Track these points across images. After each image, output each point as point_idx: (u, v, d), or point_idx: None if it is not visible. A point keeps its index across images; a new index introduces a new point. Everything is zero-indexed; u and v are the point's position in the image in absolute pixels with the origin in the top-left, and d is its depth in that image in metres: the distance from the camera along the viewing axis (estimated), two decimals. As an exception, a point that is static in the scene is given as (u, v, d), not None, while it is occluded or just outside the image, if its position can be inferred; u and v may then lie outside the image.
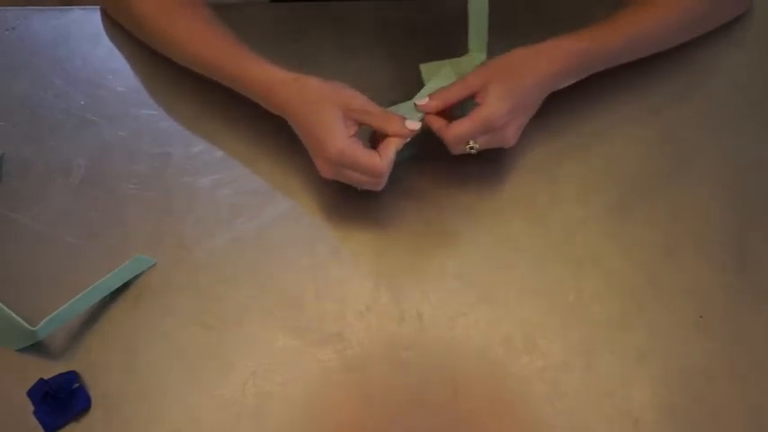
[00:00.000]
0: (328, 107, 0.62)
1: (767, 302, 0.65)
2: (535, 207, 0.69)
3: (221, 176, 0.70)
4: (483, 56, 0.69)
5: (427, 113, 0.64)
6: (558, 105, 0.71)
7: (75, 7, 0.80)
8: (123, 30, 0.77)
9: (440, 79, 0.67)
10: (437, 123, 0.64)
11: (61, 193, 0.70)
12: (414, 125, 0.63)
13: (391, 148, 0.62)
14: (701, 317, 0.64)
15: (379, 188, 0.65)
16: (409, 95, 0.67)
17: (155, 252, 0.67)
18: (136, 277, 0.66)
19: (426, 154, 0.71)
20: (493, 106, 0.62)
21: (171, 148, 0.72)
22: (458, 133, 0.63)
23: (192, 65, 0.71)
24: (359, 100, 0.63)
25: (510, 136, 0.65)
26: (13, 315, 0.61)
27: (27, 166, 0.71)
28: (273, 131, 0.72)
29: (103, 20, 0.79)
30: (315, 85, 0.63)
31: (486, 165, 0.71)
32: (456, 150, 0.65)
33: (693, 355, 0.62)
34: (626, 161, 0.71)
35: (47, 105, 0.74)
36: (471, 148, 0.64)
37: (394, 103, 0.67)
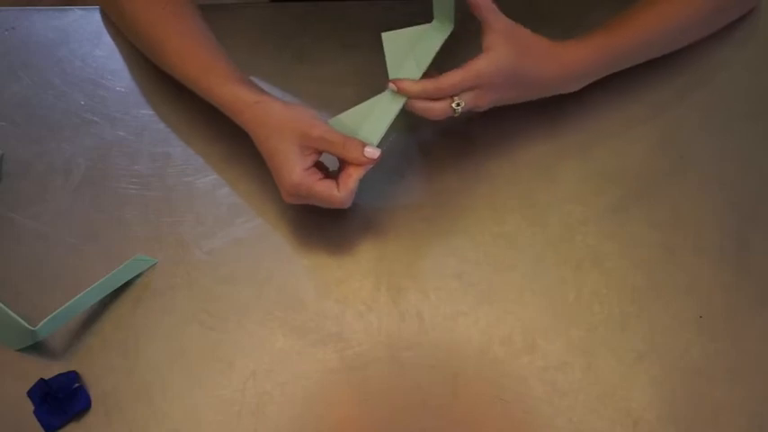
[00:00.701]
0: (287, 135, 0.60)
1: (767, 302, 0.65)
2: (535, 207, 0.69)
3: (221, 176, 0.70)
4: (450, 26, 0.66)
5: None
6: (559, 105, 0.71)
7: (75, 7, 0.80)
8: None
9: (401, 53, 0.65)
10: (417, 86, 0.61)
11: (61, 193, 0.70)
12: (373, 153, 0.60)
13: (352, 178, 0.61)
14: (701, 317, 0.64)
15: (345, 207, 0.63)
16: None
17: (155, 252, 0.67)
18: (136, 277, 0.66)
19: (426, 154, 0.71)
20: (493, 60, 0.61)
21: (171, 148, 0.72)
22: (447, 83, 0.61)
23: (171, 74, 0.70)
24: (318, 129, 0.60)
25: (486, 100, 0.63)
26: (13, 315, 0.61)
27: (27, 166, 0.71)
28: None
29: (104, 19, 0.79)
30: (276, 111, 0.62)
31: (486, 164, 0.71)
32: (439, 110, 0.62)
33: (693, 355, 0.62)
34: (626, 161, 0.71)
35: (47, 105, 0.74)
36: (458, 105, 0.61)
37: None
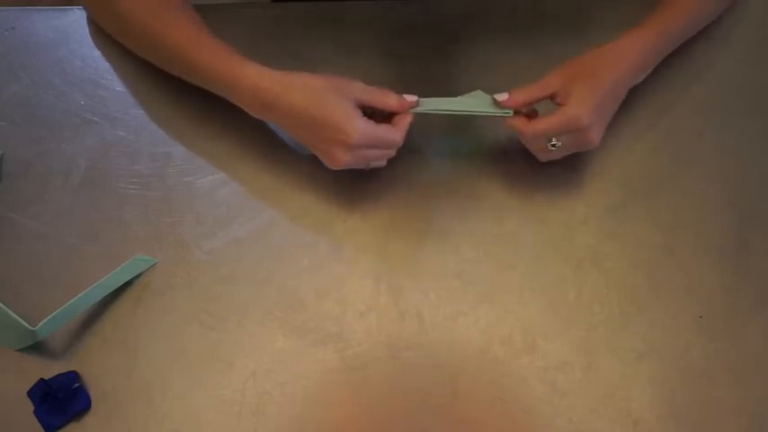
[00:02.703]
0: (336, 94, 0.62)
1: (767, 302, 0.65)
2: (535, 207, 0.69)
3: (221, 176, 0.70)
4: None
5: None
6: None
7: (75, 7, 0.80)
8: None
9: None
10: (517, 120, 0.65)
11: (61, 193, 0.70)
12: (412, 97, 0.64)
13: (406, 119, 0.64)
14: (701, 317, 0.64)
15: (386, 160, 0.67)
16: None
17: (155, 252, 0.67)
18: (136, 277, 0.66)
19: (426, 154, 0.71)
20: (577, 106, 0.62)
21: (171, 148, 0.72)
22: (539, 130, 0.63)
23: (177, 69, 0.69)
24: (356, 83, 0.63)
25: (594, 137, 0.64)
26: (13, 315, 0.61)
27: (27, 166, 0.71)
28: (274, 131, 0.72)
29: (90, 26, 0.78)
30: (310, 76, 0.63)
31: (486, 164, 0.71)
32: (535, 146, 0.65)
33: (693, 355, 0.62)
34: (626, 161, 0.71)
35: (47, 105, 0.74)
36: (553, 145, 0.64)
37: None
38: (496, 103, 0.65)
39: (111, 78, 0.76)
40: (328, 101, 0.62)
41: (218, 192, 0.70)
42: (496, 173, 0.71)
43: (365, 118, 0.63)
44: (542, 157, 0.67)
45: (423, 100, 0.66)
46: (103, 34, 0.77)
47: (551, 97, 0.64)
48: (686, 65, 0.76)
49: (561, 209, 0.69)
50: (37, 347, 0.63)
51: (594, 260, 0.66)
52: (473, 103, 0.66)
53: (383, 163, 0.67)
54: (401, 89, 0.69)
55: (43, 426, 0.59)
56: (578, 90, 0.63)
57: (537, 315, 0.64)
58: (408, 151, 0.71)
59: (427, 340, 0.63)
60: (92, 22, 0.78)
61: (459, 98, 0.66)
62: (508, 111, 0.64)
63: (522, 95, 0.64)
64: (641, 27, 0.68)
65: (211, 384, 0.62)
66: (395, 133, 0.64)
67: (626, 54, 0.66)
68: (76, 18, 0.79)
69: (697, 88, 0.75)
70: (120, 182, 0.70)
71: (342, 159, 0.63)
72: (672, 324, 0.64)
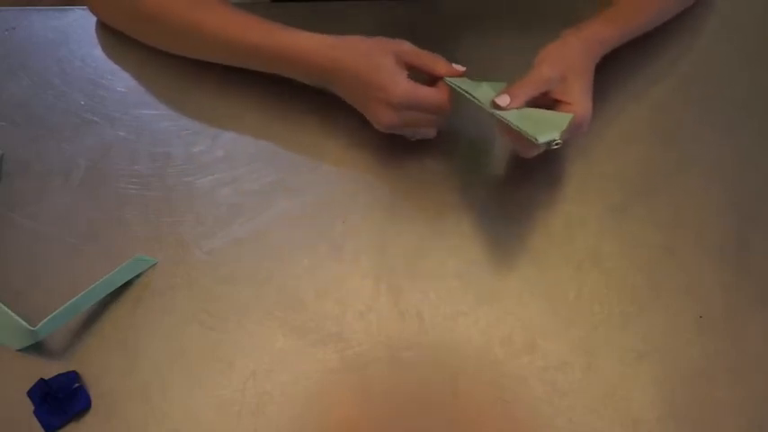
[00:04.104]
0: (382, 55, 0.64)
1: (767, 302, 0.65)
2: (535, 207, 0.69)
3: (221, 176, 0.70)
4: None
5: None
6: (558, 105, 0.71)
7: (75, 7, 0.80)
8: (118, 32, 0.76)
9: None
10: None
11: (61, 193, 0.70)
12: (460, 67, 0.65)
13: (448, 88, 0.64)
14: (701, 317, 0.64)
15: (438, 130, 0.67)
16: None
17: (155, 252, 0.67)
18: (136, 277, 0.66)
19: (426, 154, 0.71)
20: (583, 107, 0.63)
21: (171, 148, 0.72)
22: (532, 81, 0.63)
23: (221, 52, 0.71)
24: (406, 44, 0.65)
25: (588, 125, 0.65)
26: (13, 315, 0.61)
27: (27, 166, 0.71)
28: (274, 131, 0.72)
29: (97, 26, 0.78)
30: (360, 40, 0.65)
31: (486, 164, 0.71)
32: (536, 150, 0.64)
33: (693, 355, 0.62)
34: (626, 161, 0.71)
35: (47, 105, 0.74)
36: (557, 144, 0.61)
37: None
38: (494, 104, 0.63)
39: (111, 78, 0.76)
40: (374, 61, 0.63)
41: (218, 192, 0.70)
42: (496, 173, 0.71)
43: (409, 79, 0.63)
44: (529, 154, 0.65)
45: (463, 79, 0.66)
46: (105, 33, 0.77)
47: (545, 93, 0.63)
48: (686, 64, 0.76)
49: (561, 209, 0.69)
50: (37, 347, 0.62)
51: (594, 260, 0.66)
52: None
53: (432, 133, 0.68)
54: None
55: (43, 426, 0.59)
56: (577, 87, 0.63)
57: (537, 315, 0.64)
58: (408, 151, 0.71)
59: (427, 340, 0.63)
60: (97, 22, 0.78)
61: (486, 86, 0.65)
62: None
63: (524, 94, 0.62)
64: (614, 17, 0.69)
65: (211, 384, 0.62)
66: (440, 96, 0.64)
67: (597, 44, 0.67)
68: (76, 18, 0.79)
69: (697, 88, 0.75)
70: (120, 182, 0.70)
71: (385, 118, 0.64)
72: (672, 324, 0.64)
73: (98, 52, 0.77)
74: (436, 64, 0.65)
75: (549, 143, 0.60)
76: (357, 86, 0.65)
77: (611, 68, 0.73)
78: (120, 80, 0.75)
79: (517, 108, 0.62)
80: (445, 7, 0.79)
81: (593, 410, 0.60)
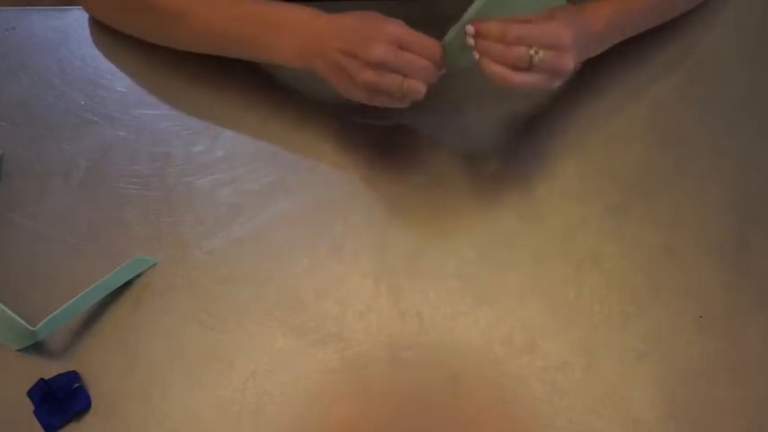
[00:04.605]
0: (376, 15, 0.62)
1: (767, 302, 0.65)
2: (535, 207, 0.69)
3: (221, 176, 0.70)
4: None
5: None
6: (557, 104, 0.71)
7: (75, 7, 0.79)
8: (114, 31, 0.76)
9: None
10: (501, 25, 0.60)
11: (61, 193, 0.70)
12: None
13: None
14: (701, 317, 0.64)
15: (419, 95, 0.62)
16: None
17: (155, 252, 0.67)
18: (136, 277, 0.66)
19: (426, 154, 0.71)
20: (560, 25, 0.60)
21: (171, 148, 0.72)
22: (522, 31, 0.60)
23: (210, 37, 0.69)
24: (399, 20, 0.63)
25: (570, 62, 0.61)
26: (13, 315, 0.61)
27: (27, 166, 0.71)
28: (274, 131, 0.72)
29: (91, 24, 0.78)
30: (353, 16, 0.63)
31: (486, 164, 0.71)
32: (513, 55, 0.60)
33: (693, 355, 0.62)
34: (626, 161, 0.71)
35: (47, 105, 0.74)
36: (536, 52, 0.59)
37: None
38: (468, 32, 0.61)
39: (111, 78, 0.76)
40: (363, 13, 0.62)
41: (218, 192, 0.70)
42: (496, 173, 0.71)
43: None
44: (517, 79, 0.61)
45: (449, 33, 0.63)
46: (104, 34, 0.77)
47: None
48: (686, 64, 0.76)
49: (561, 209, 0.69)
50: (37, 347, 0.62)
51: (594, 260, 0.66)
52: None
53: (421, 89, 0.61)
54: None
55: (43, 426, 0.59)
56: (561, 15, 0.61)
57: (537, 315, 0.64)
58: (407, 151, 0.71)
59: (427, 340, 0.63)
60: (92, 21, 0.78)
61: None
62: None
63: (498, 27, 0.60)
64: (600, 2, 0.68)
65: (211, 384, 0.62)
66: (431, 42, 0.62)
67: (599, 15, 0.66)
68: (76, 18, 0.79)
69: (697, 88, 0.75)
70: (120, 182, 0.70)
71: (376, 53, 0.59)
72: (672, 324, 0.64)
73: (98, 52, 0.77)
74: (425, 41, 0.62)
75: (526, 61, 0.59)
76: (344, 39, 0.62)
77: (612, 68, 0.73)
78: (120, 80, 0.75)
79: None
80: (445, 7, 0.79)
81: (593, 410, 0.60)
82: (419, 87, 0.61)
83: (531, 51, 0.59)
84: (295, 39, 0.65)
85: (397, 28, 0.61)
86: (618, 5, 0.68)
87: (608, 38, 0.69)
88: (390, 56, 0.60)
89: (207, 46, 0.71)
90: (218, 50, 0.71)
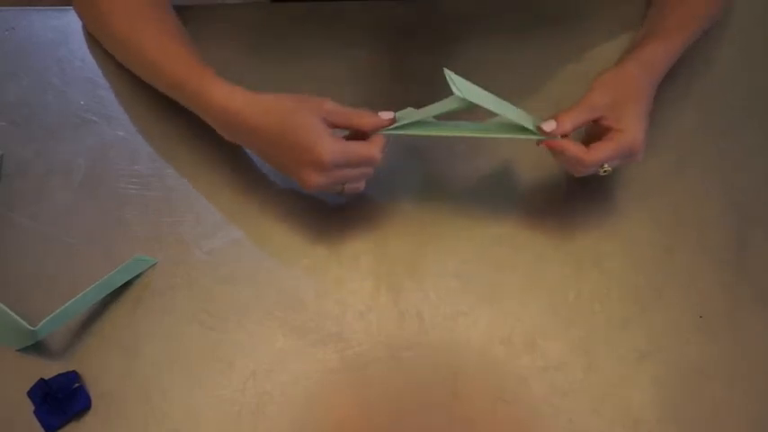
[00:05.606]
0: (306, 114, 0.59)
1: (767, 302, 0.65)
2: (535, 206, 0.69)
3: (221, 176, 0.70)
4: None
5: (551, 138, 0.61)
6: (558, 105, 0.71)
7: (74, 7, 0.79)
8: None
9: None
10: (576, 149, 0.61)
11: (61, 193, 0.70)
12: (388, 114, 0.61)
13: (382, 138, 0.61)
14: (701, 317, 0.64)
15: (364, 183, 0.63)
16: (409, 95, 0.67)
17: (155, 252, 0.67)
18: (136, 277, 0.66)
19: (426, 154, 0.71)
20: (634, 131, 0.61)
21: (171, 148, 0.72)
22: (599, 159, 0.61)
23: (149, 76, 0.69)
24: (329, 102, 0.61)
25: (641, 155, 0.63)
26: (13, 315, 0.61)
27: (27, 166, 0.71)
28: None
29: (84, 32, 0.78)
30: (281, 97, 0.61)
31: (485, 165, 0.71)
32: (584, 172, 0.63)
33: (693, 355, 0.62)
34: (626, 161, 0.71)
35: (47, 105, 0.74)
36: (605, 171, 0.62)
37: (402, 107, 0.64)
38: (541, 131, 0.61)
39: (112, 78, 0.76)
40: (297, 121, 0.59)
41: (219, 192, 0.70)
42: (496, 173, 0.71)
43: (336, 137, 0.60)
44: (580, 174, 0.64)
45: (404, 113, 0.62)
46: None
47: (597, 119, 0.62)
48: (686, 64, 0.76)
49: (561, 209, 0.69)
50: (37, 347, 0.63)
51: (594, 260, 0.66)
52: (460, 125, 0.62)
53: (361, 186, 0.63)
54: (400, 89, 0.69)
55: (43, 426, 0.59)
56: (630, 112, 0.61)
57: (537, 315, 0.64)
58: (407, 152, 0.71)
59: (427, 340, 0.63)
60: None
61: (439, 104, 0.60)
62: (487, 129, 0.61)
63: (571, 122, 0.60)
64: (666, 34, 0.67)
65: (211, 384, 0.62)
66: (370, 148, 0.60)
67: (657, 65, 0.66)
68: (76, 18, 0.78)
69: (697, 88, 0.75)
70: (120, 182, 0.70)
71: (314, 180, 0.60)
72: (672, 324, 0.64)
73: (98, 52, 0.77)
74: (362, 119, 0.61)
75: (596, 171, 0.61)
76: (277, 146, 0.61)
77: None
78: (120, 80, 0.75)
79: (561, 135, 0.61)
80: (445, 7, 0.79)
81: (593, 410, 0.60)
82: (359, 187, 0.63)
83: (603, 170, 0.62)
84: (216, 120, 0.64)
85: (333, 151, 0.59)
86: (680, 39, 0.68)
87: (671, 60, 0.69)
88: (329, 180, 0.60)
89: (152, 79, 0.70)
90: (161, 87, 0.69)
